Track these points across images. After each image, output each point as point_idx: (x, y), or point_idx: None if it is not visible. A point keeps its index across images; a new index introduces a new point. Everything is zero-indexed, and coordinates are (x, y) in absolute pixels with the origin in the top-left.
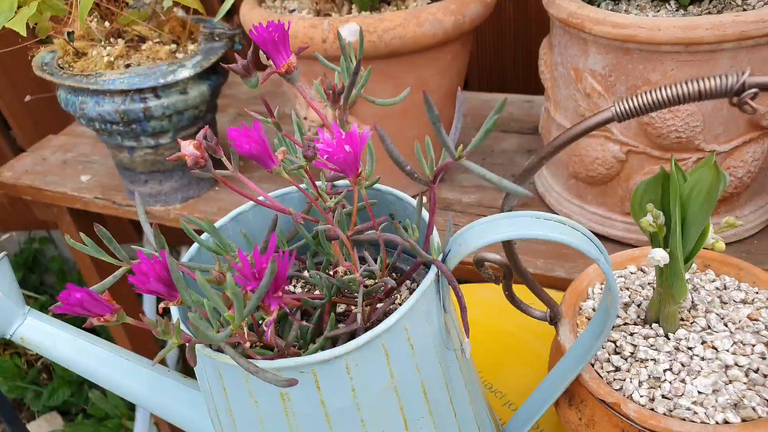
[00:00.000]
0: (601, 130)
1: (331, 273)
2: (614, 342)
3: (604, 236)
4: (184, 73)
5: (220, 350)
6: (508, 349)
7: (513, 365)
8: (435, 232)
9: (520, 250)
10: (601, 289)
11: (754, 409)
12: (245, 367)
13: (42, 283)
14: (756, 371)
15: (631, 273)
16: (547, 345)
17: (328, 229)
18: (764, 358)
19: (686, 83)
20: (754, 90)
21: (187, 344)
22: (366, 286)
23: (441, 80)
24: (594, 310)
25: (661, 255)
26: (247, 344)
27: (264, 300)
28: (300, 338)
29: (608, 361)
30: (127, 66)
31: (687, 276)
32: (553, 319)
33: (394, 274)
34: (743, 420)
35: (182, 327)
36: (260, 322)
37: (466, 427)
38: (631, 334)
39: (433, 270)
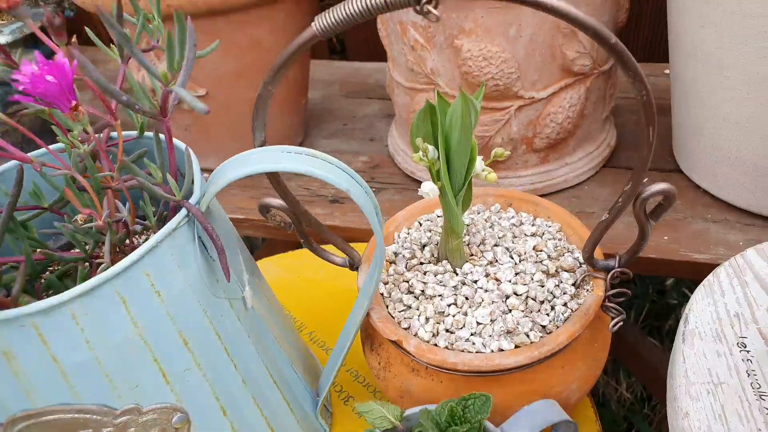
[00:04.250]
0: (428, 83)
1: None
2: (408, 282)
3: None
4: (1, 39)
5: None
6: (347, 306)
7: (343, 321)
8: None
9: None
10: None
11: (526, 334)
12: None
13: None
14: (534, 299)
15: (438, 216)
16: None
17: (67, 174)
18: (542, 286)
19: None
20: None
21: None
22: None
23: (276, 39)
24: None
25: (429, 188)
26: None
27: None
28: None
29: (401, 300)
30: None
31: (487, 214)
32: (353, 266)
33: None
34: (516, 346)
35: None
36: None
37: (253, 379)
38: (425, 273)
39: (182, 212)
